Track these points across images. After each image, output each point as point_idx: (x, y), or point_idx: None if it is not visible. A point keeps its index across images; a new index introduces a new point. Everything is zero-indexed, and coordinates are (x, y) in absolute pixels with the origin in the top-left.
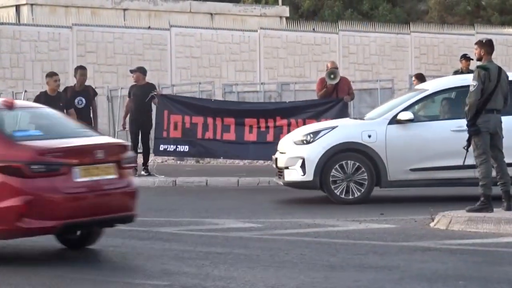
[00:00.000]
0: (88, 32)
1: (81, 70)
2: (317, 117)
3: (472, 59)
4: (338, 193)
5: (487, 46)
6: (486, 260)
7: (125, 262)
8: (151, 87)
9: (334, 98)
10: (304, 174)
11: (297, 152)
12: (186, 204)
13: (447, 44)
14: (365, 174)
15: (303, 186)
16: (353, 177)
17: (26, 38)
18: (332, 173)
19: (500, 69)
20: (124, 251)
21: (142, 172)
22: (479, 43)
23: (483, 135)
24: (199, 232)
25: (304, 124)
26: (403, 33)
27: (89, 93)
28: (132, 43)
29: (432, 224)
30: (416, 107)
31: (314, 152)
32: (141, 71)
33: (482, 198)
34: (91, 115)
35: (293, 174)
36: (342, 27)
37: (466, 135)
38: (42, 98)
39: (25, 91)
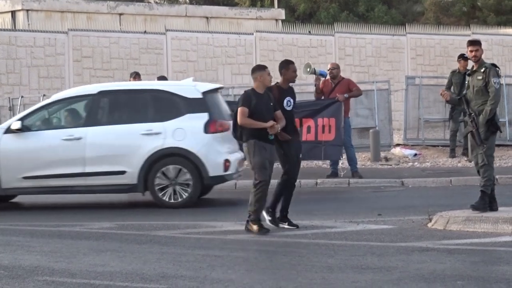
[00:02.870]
0: (84, 37)
1: (292, 65)
2: (313, 116)
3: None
4: None
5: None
6: (484, 260)
7: (122, 265)
8: None
9: (331, 98)
10: None
11: None
12: (184, 208)
13: (443, 45)
14: None
15: None
16: None
17: (22, 43)
18: None
19: None
20: (122, 254)
21: None
22: (479, 44)
23: (495, 135)
24: (197, 235)
25: (301, 123)
26: (399, 35)
27: (294, 93)
28: (128, 48)
29: (429, 225)
30: (35, 116)
31: None
32: (140, 76)
33: (486, 198)
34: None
35: None
36: (338, 29)
37: (76, 144)
38: (253, 98)
39: (22, 97)
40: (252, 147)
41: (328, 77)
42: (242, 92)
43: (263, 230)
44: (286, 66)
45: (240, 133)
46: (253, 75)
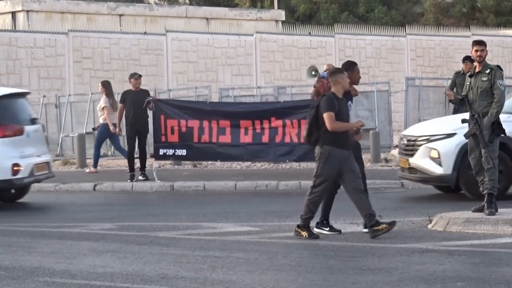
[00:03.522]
0: (84, 38)
1: (357, 67)
2: None
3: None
4: None
5: None
6: (484, 261)
7: (123, 266)
8: (146, 93)
9: None
10: None
11: None
12: (184, 209)
13: (443, 46)
14: None
15: None
16: None
17: (22, 44)
18: None
19: None
20: (122, 255)
21: (140, 177)
22: (485, 44)
23: (499, 137)
24: (197, 236)
25: (299, 124)
26: (399, 36)
27: (351, 96)
28: (128, 49)
29: (430, 226)
30: None
31: None
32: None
33: (494, 199)
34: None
35: None
36: (338, 30)
37: None
38: (335, 102)
39: None
40: (326, 154)
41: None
42: (242, 93)
43: (313, 235)
44: (352, 68)
45: (316, 138)
46: (333, 78)
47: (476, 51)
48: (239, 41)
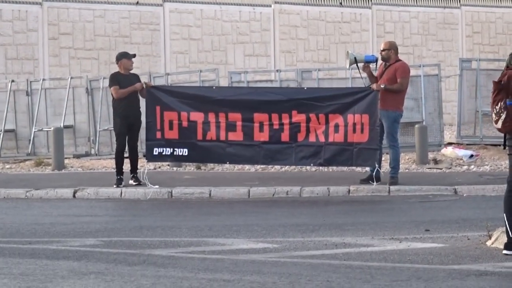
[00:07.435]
0: (62, 9)
1: None
2: (342, 112)
3: None
4: None
5: None
6: None
7: None
8: (137, 77)
9: (366, 87)
10: None
11: None
12: (185, 221)
13: (506, 20)
14: None
15: None
16: None
17: None
18: None
19: None
20: (109, 278)
21: (131, 181)
22: None
23: None
24: (201, 255)
25: (327, 120)
26: (451, 7)
27: None
28: (117, 23)
29: (489, 243)
30: None
31: None
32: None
33: None
34: None
35: None
36: (375, 0)
37: None
38: None
39: None
40: None
41: (380, 61)
42: (257, 77)
43: None
44: None
45: None
46: None
47: None
48: (254, 13)
